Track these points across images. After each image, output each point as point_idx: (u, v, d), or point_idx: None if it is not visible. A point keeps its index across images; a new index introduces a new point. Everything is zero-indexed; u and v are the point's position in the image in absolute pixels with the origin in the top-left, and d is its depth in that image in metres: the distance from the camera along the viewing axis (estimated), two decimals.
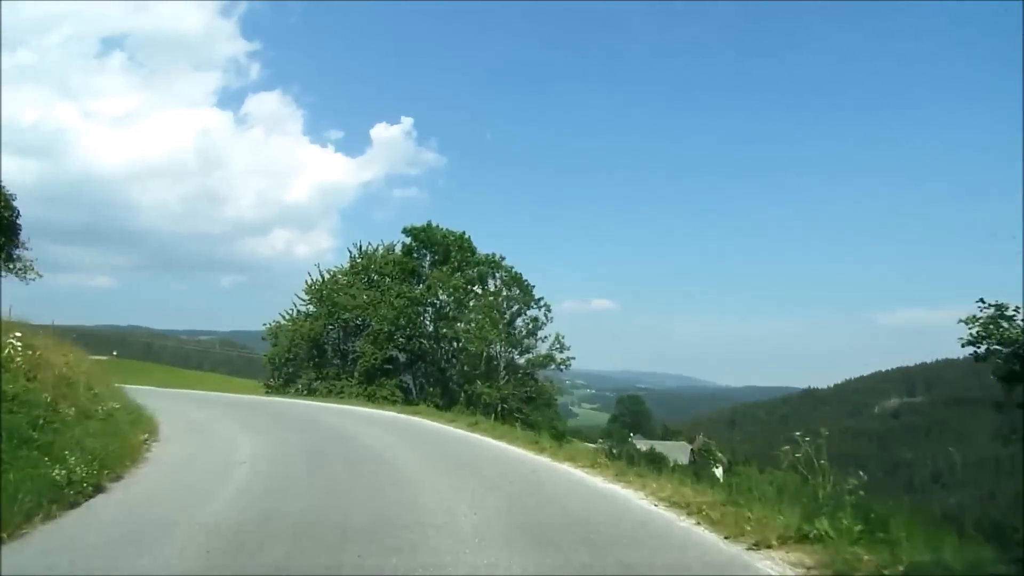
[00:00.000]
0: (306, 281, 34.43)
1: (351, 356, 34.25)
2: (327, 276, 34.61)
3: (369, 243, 36.19)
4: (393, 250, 36.35)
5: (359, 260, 35.61)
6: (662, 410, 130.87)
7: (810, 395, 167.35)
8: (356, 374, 32.74)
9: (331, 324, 33.87)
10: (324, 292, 33.59)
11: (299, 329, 32.93)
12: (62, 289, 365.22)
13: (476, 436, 15.03)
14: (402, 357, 36.75)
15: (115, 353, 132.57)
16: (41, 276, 22.63)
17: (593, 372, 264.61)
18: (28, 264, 21.90)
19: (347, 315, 33.02)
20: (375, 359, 32.66)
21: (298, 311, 34.36)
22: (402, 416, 20.12)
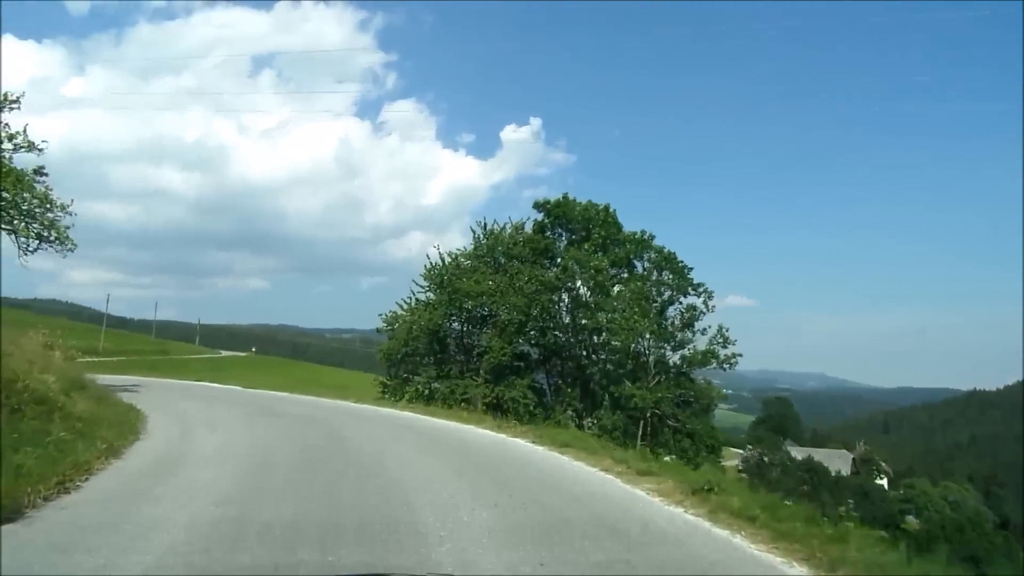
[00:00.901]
0: (425, 265, 30.09)
1: (475, 351, 29.55)
2: (448, 259, 30.03)
3: (495, 221, 31.22)
4: (523, 229, 31.25)
5: (484, 241, 30.80)
6: (805, 412, 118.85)
7: (976, 397, 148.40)
8: (481, 372, 27.98)
9: (453, 313, 29.29)
10: (445, 277, 29.02)
11: (418, 320, 28.55)
12: (223, 291, 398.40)
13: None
14: (534, 353, 31.68)
15: (254, 350, 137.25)
16: (76, 246, 19.97)
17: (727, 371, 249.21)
18: (63, 233, 19.14)
19: (471, 303, 28.28)
20: (503, 355, 27.71)
21: (416, 299, 30.05)
22: (549, 455, 13.23)
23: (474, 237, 31.11)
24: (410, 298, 30.03)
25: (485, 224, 30.89)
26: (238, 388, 30.14)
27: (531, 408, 27.64)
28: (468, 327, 30.32)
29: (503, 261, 30.45)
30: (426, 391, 28.27)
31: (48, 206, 19.02)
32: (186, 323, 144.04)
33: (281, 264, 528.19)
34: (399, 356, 29.04)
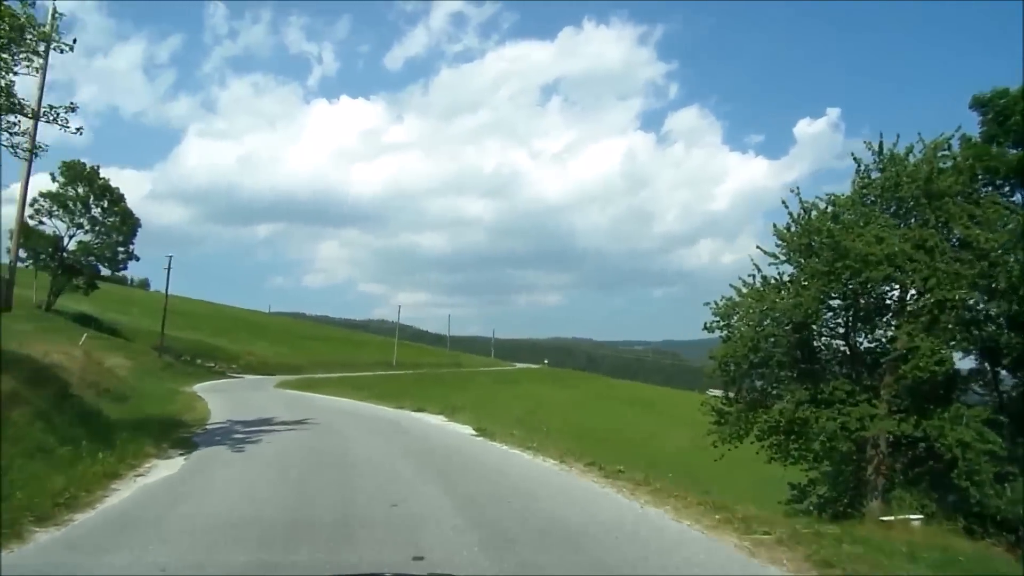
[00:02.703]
0: (775, 225, 18.87)
1: (878, 358, 17.49)
2: (815, 211, 18.35)
3: (892, 143, 18.66)
4: (948, 146, 18.23)
5: (877, 179, 18.49)
6: None
7: None
8: (883, 393, 16.03)
9: (832, 294, 17.63)
10: (819, 239, 17.48)
11: (773, 306, 17.43)
12: (522, 307, 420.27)
13: None
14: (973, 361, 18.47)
15: (546, 362, 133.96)
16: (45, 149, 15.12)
17: None
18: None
19: (872, 273, 16.26)
20: (938, 366, 15.41)
21: (762, 278, 18.88)
22: None
23: (856, 173, 18.92)
24: (752, 276, 18.95)
25: (880, 147, 18.46)
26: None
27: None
28: (853, 318, 18.35)
29: (911, 206, 17.92)
30: (787, 422, 17.07)
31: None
32: (486, 338, 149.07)
33: (574, 279, 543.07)
34: (744, 367, 18.03)
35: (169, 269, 53.23)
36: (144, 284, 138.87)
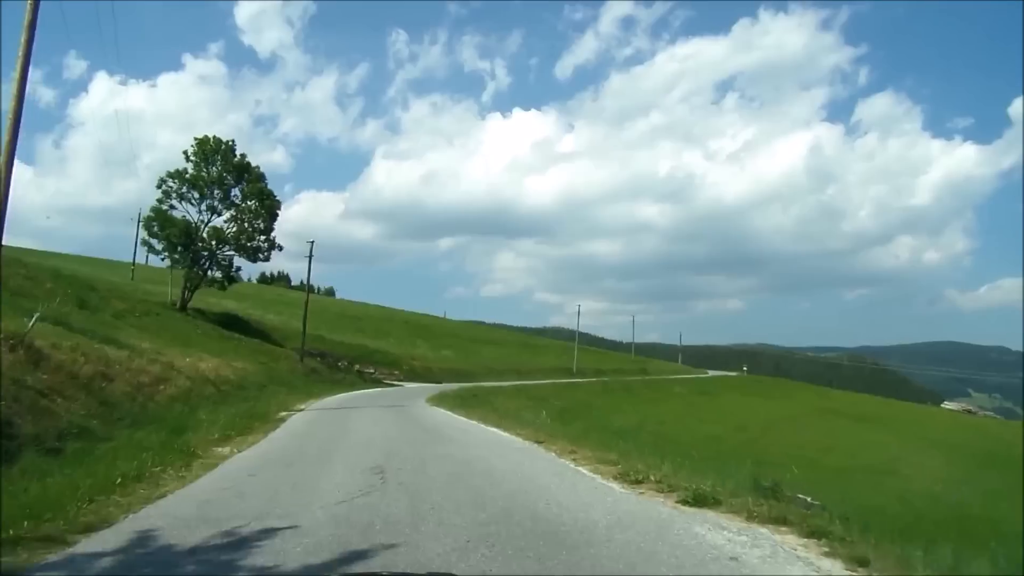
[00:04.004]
0: None
1: None
2: None
3: None
4: None
5: None
6: None
7: None
8: None
9: None
10: None
11: None
12: (701, 313, 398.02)
13: None
14: None
15: (745, 369, 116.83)
16: None
17: None
18: None
19: None
20: None
21: None
22: None
23: None
24: None
25: None
26: None
27: None
28: None
29: None
30: None
31: None
32: (667, 344, 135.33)
33: (756, 283, 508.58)
34: None
35: (311, 257, 45.00)
36: (330, 292, 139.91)
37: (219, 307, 48.29)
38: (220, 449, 11.22)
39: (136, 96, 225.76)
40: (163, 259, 42.94)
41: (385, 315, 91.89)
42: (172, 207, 42.38)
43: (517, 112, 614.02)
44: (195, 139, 43.00)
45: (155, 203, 42.08)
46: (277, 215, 45.50)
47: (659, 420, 35.13)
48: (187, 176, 42.05)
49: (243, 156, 43.80)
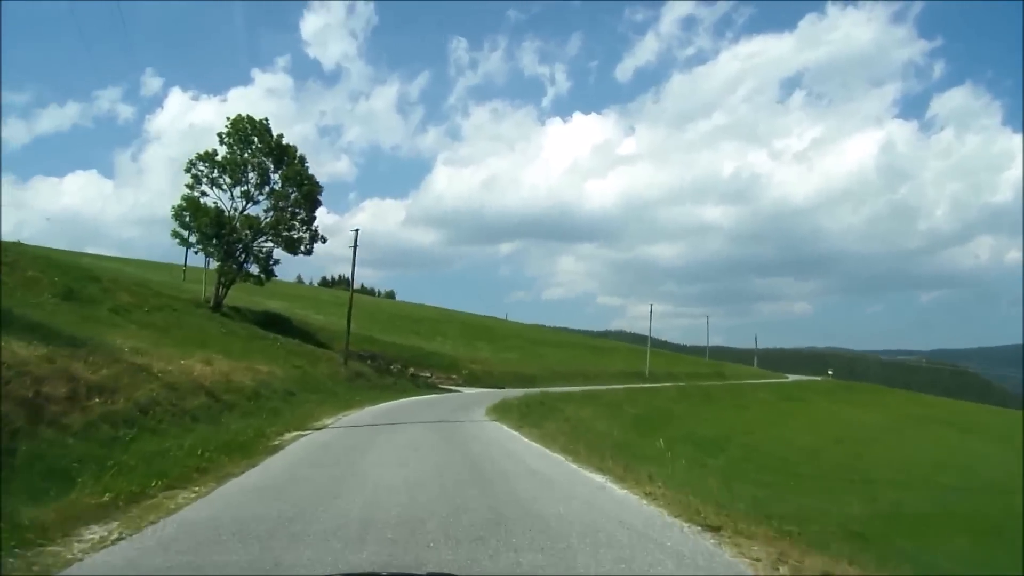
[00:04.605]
0: None
1: None
2: None
3: None
4: None
5: None
6: None
7: None
8: None
9: None
10: None
11: None
12: (767, 316, 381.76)
13: None
14: None
15: (830, 373, 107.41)
16: None
17: None
18: None
19: None
20: None
21: None
22: None
23: None
24: None
25: None
26: None
27: None
28: None
29: None
30: None
31: None
32: (732, 348, 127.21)
33: (825, 286, 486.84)
34: None
35: (355, 247, 39.78)
36: (391, 295, 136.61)
37: (263, 306, 44.11)
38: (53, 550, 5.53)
39: (207, 110, 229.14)
40: (196, 252, 38.78)
41: (443, 316, 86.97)
42: (204, 194, 38.19)
43: (577, 116, 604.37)
44: (227, 119, 38.77)
45: (185, 191, 38.11)
46: (319, 203, 40.92)
47: (746, 429, 31.62)
48: (218, 159, 37.72)
49: (280, 136, 39.37)
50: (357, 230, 39.62)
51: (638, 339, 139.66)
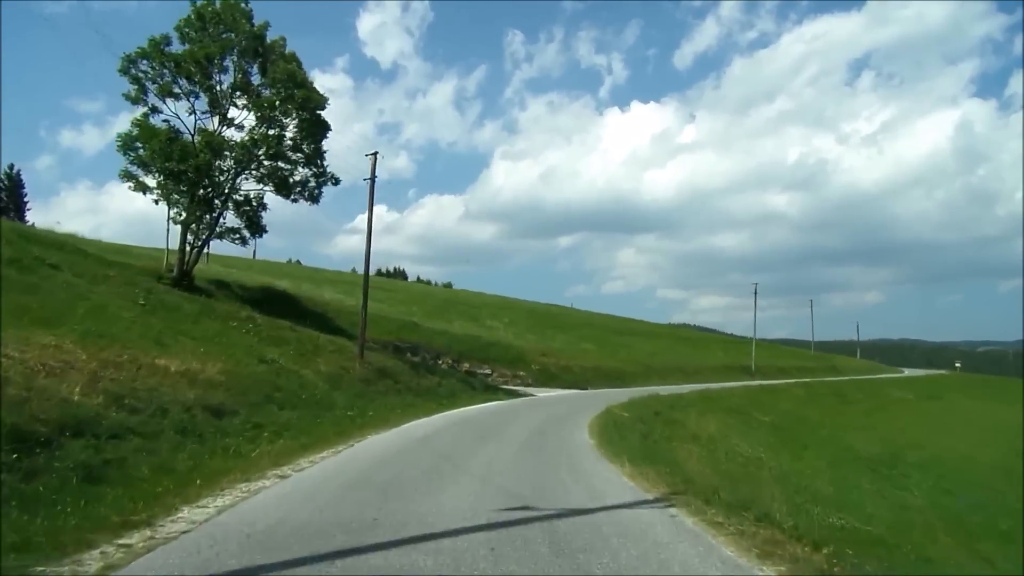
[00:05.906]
0: None
1: None
2: None
3: None
4: None
5: None
6: None
7: None
8: None
9: None
10: None
11: None
12: (837, 307, 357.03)
13: None
14: None
15: (958, 365, 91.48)
16: None
17: None
18: None
19: None
20: None
21: None
22: None
23: None
24: None
25: None
26: None
27: None
28: None
29: None
30: None
31: None
32: (798, 340, 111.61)
33: (897, 274, 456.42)
34: None
35: (373, 179, 26.47)
36: (448, 286, 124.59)
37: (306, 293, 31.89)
38: None
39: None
40: (157, 200, 26.70)
41: (504, 304, 73.69)
42: (154, 109, 26.02)
43: (635, 105, 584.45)
44: (191, 6, 26.48)
45: (135, 112, 26.09)
46: (327, 126, 28.23)
47: (911, 442, 26.35)
48: (171, 53, 25.42)
49: (265, 25, 26.92)
50: (376, 152, 26.57)
51: (698, 330, 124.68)
